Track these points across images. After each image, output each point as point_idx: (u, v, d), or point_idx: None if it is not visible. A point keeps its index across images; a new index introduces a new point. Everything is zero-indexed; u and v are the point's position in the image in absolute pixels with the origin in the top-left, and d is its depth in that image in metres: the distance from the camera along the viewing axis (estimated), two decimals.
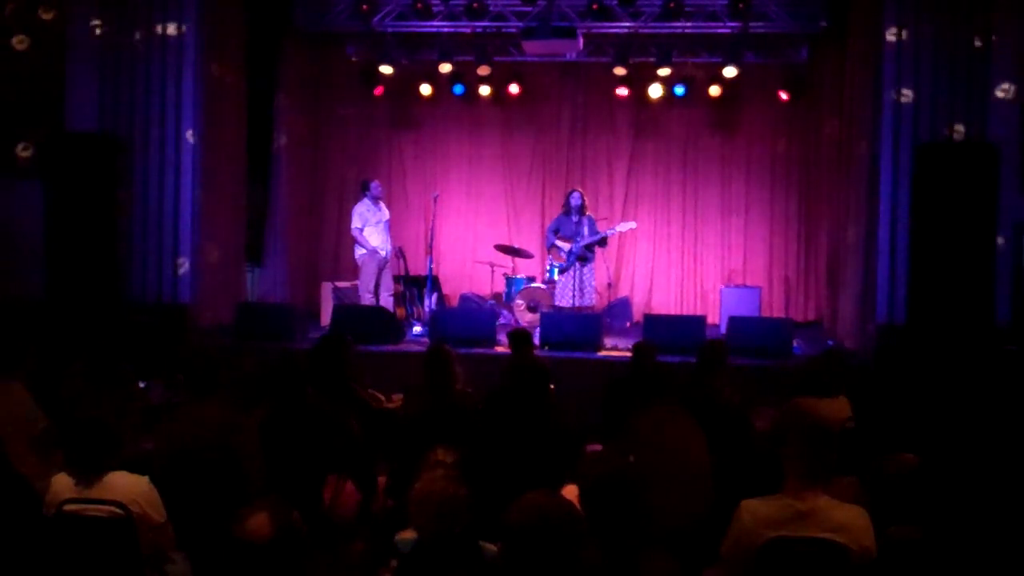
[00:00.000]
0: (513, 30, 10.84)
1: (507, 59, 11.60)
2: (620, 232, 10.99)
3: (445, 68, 11.33)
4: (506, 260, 11.22)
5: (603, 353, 8.55)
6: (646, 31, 10.86)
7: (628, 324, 10.89)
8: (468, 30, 11.13)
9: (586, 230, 10.14)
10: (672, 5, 10.06)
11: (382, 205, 10.27)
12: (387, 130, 12.51)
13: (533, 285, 10.54)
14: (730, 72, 10.91)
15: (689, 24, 10.66)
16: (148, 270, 8.96)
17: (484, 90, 11.76)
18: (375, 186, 10.20)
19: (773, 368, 7.85)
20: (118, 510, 3.60)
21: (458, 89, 11.74)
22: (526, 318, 10.17)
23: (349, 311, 9.49)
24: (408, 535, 3.24)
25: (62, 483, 3.69)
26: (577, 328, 8.82)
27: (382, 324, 8.96)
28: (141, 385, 5.92)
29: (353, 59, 11.83)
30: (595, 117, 12.24)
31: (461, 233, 12.44)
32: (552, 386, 5.23)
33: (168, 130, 8.96)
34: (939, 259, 7.51)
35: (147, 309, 8.75)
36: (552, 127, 12.33)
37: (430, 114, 12.38)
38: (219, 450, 4.28)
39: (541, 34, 10.05)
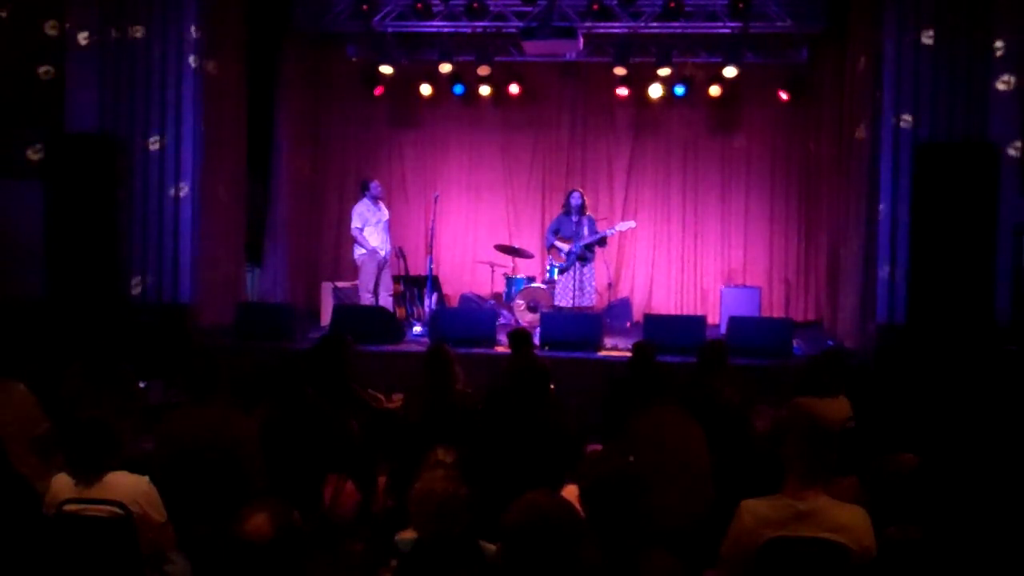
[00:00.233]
0: (513, 30, 10.83)
1: (507, 59, 11.60)
2: (620, 232, 11.00)
3: (445, 68, 11.33)
4: (506, 260, 11.22)
5: (603, 353, 8.54)
6: (646, 31, 10.85)
7: (628, 324, 10.89)
8: (468, 30, 11.13)
9: (586, 230, 10.14)
10: (672, 5, 10.06)
11: (382, 205, 10.27)
12: (387, 130, 12.51)
13: (533, 285, 10.54)
14: (730, 72, 10.91)
15: (689, 24, 10.65)
16: (148, 270, 8.95)
17: (484, 90, 11.76)
18: (375, 186, 10.20)
19: (773, 368, 7.85)
20: (118, 510, 3.60)
21: (458, 89, 11.74)
22: (526, 318, 10.17)
23: (349, 311, 9.49)
24: (408, 535, 3.24)
25: (62, 483, 3.69)
26: (577, 328, 8.82)
27: (382, 324, 8.96)
28: (141, 385, 5.92)
29: (353, 59, 11.83)
30: (595, 117, 12.24)
31: (461, 233, 12.44)
32: (552, 386, 5.23)
33: (168, 130, 8.96)
34: (939, 259, 7.52)
35: (147, 309, 8.75)
36: (552, 127, 12.32)
37: (430, 114, 12.38)
38: (219, 450, 4.28)
39: (541, 34, 10.05)
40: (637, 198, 12.20)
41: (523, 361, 6.06)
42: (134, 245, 8.88)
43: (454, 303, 11.55)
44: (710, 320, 10.14)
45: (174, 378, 6.25)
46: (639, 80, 11.41)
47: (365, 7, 10.58)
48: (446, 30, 11.11)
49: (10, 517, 3.73)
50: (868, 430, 4.98)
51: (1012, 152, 7.75)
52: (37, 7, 9.04)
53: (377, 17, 10.95)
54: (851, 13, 9.65)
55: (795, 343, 8.80)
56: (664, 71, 11.14)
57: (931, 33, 8.09)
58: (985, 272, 7.52)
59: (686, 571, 2.98)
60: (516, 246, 11.25)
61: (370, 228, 9.98)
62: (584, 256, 10.15)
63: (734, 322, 8.99)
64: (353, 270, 10.42)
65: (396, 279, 10.52)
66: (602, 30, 10.94)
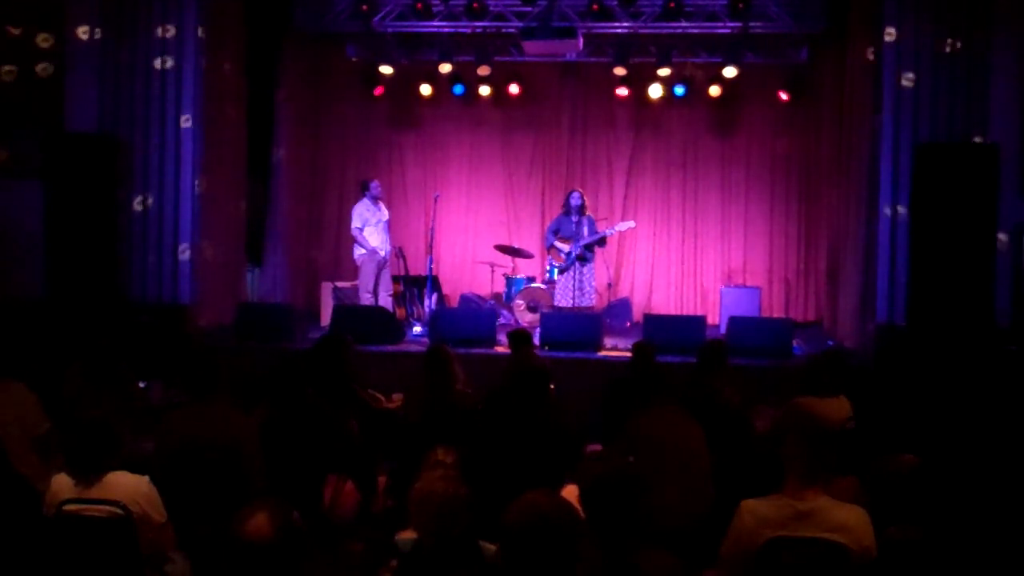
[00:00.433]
0: (513, 30, 10.83)
1: (507, 59, 11.60)
2: (619, 232, 11.00)
3: (445, 68, 11.33)
4: (506, 260, 11.22)
5: (603, 353, 8.54)
6: (646, 31, 10.85)
7: (628, 324, 10.89)
8: (468, 30, 11.13)
9: (586, 230, 10.14)
10: (672, 5, 10.06)
11: (382, 205, 10.27)
12: (387, 130, 12.50)
13: (533, 285, 10.54)
14: (730, 72, 10.91)
15: (689, 24, 10.65)
16: (148, 270, 8.95)
17: (484, 90, 11.76)
18: (375, 186, 10.20)
19: (773, 368, 7.85)
20: (118, 510, 3.60)
21: (458, 89, 11.73)
22: (526, 318, 10.17)
23: (349, 311, 9.49)
24: (408, 535, 3.24)
25: (62, 483, 3.69)
26: (577, 328, 8.82)
27: (382, 324, 8.96)
28: (141, 385, 5.92)
29: (353, 59, 11.83)
30: (595, 117, 12.24)
31: (461, 233, 12.44)
32: (552, 386, 5.23)
33: (168, 130, 8.95)
34: (939, 259, 7.51)
35: (147, 309, 8.75)
36: (552, 127, 12.32)
37: (430, 114, 12.38)
38: (219, 450, 4.29)
39: (541, 34, 10.05)
40: (637, 198, 12.20)
41: (523, 361, 6.07)
42: (134, 245, 8.88)
43: (454, 303, 11.55)
44: (710, 320, 10.14)
45: (174, 378, 6.26)
46: (639, 80, 11.41)
47: (365, 7, 10.58)
48: (446, 30, 11.11)
49: (10, 517, 3.73)
50: (868, 430, 4.99)
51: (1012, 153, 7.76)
52: (37, 7, 9.05)
53: (377, 17, 10.95)
54: (851, 13, 9.65)
55: (795, 343, 8.80)
56: (664, 71, 11.14)
57: (931, 32, 8.09)
58: (985, 273, 7.52)
59: (686, 571, 2.98)
60: (516, 246, 11.25)
61: (370, 228, 9.98)
62: (584, 256, 10.15)
63: (734, 322, 8.99)
64: (353, 270, 10.41)
65: (396, 279, 10.52)
66: (602, 30, 10.94)
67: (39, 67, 8.96)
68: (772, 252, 11.84)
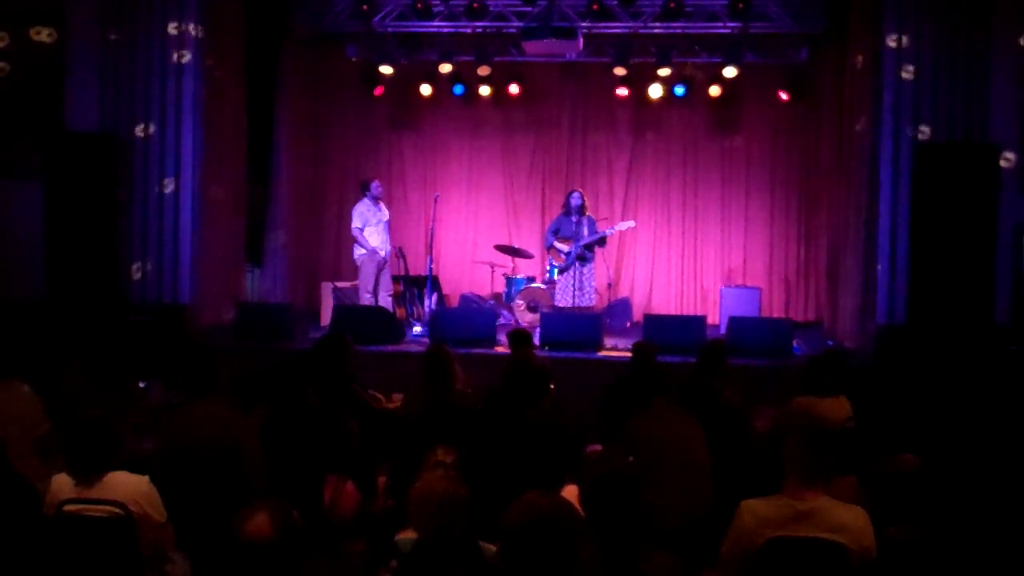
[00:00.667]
0: (513, 30, 10.83)
1: (507, 59, 11.59)
2: (619, 232, 11.00)
3: (445, 68, 11.33)
4: (506, 260, 11.22)
5: (603, 353, 8.54)
6: (646, 31, 10.85)
7: (628, 324, 10.89)
8: (468, 30, 11.13)
9: (586, 230, 10.15)
10: (672, 5, 10.06)
11: (382, 205, 10.26)
12: (387, 130, 12.50)
13: (533, 285, 10.54)
14: (730, 72, 10.91)
15: (689, 24, 10.65)
16: (148, 270, 8.95)
17: (484, 90, 11.76)
18: (375, 186, 10.19)
19: (773, 368, 7.85)
20: (118, 510, 3.60)
21: (458, 89, 11.73)
22: (526, 318, 10.17)
23: (349, 311, 9.49)
24: (408, 535, 3.24)
25: (62, 483, 3.69)
26: (577, 328, 8.82)
27: (382, 324, 8.96)
28: (141, 385, 5.92)
29: (353, 59, 11.82)
30: (595, 117, 12.24)
31: (461, 233, 12.44)
32: (552, 386, 5.23)
33: (168, 130, 8.96)
34: (939, 259, 7.52)
35: (147, 309, 8.75)
36: (552, 127, 12.32)
37: (430, 114, 12.38)
38: (219, 450, 4.28)
39: (541, 34, 10.05)
40: (637, 198, 12.20)
41: (523, 361, 6.06)
42: (134, 245, 8.88)
43: (454, 303, 11.55)
44: (710, 320, 10.14)
45: (174, 378, 6.25)
46: (639, 80, 11.41)
47: (365, 7, 10.57)
48: (446, 30, 11.11)
49: (10, 517, 3.73)
50: (868, 430, 4.99)
51: (1008, 158, 7.76)
52: (38, 7, 9.05)
53: (377, 17, 10.95)
54: (851, 13, 9.64)
55: (795, 343, 8.80)
56: (664, 71, 11.14)
57: (931, 32, 8.09)
58: (985, 272, 7.52)
59: (686, 571, 2.98)
60: (516, 246, 11.25)
61: (370, 228, 9.98)
62: (584, 256, 10.15)
63: (734, 322, 9.00)
64: (353, 270, 10.41)
65: (396, 279, 10.52)
66: (602, 30, 10.94)
67: (37, 66, 8.96)
68: (772, 252, 11.84)
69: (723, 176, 11.99)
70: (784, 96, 11.25)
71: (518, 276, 10.98)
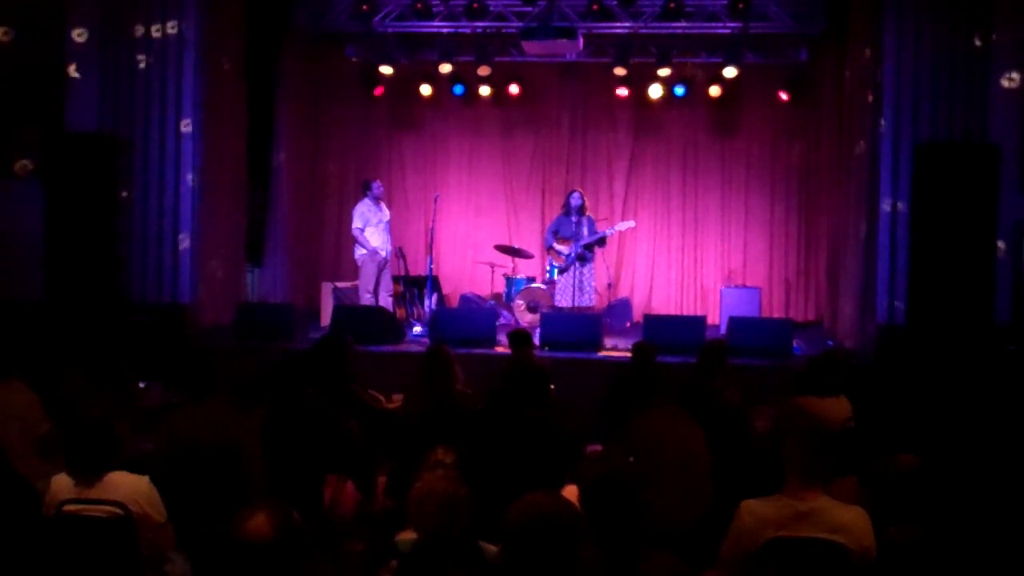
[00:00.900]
0: (513, 30, 10.84)
1: (507, 59, 11.60)
2: (619, 232, 11.01)
3: (445, 68, 11.33)
4: (506, 260, 11.22)
5: (603, 353, 8.54)
6: (646, 31, 10.86)
7: (628, 324, 10.89)
8: (468, 30, 11.13)
9: (585, 231, 10.15)
10: (672, 5, 10.06)
11: (383, 205, 10.26)
12: (387, 130, 12.50)
13: (533, 285, 10.54)
14: (730, 72, 10.91)
15: (689, 24, 10.66)
16: (148, 270, 8.95)
17: (484, 90, 11.76)
18: (377, 186, 10.19)
19: (773, 368, 7.85)
20: (118, 510, 3.60)
21: (458, 89, 11.74)
22: (526, 318, 10.17)
23: (349, 311, 9.48)
24: (408, 535, 3.24)
25: (62, 483, 3.69)
26: (577, 328, 8.81)
27: (382, 324, 8.96)
28: (141, 385, 5.92)
29: (353, 59, 11.83)
30: (595, 117, 12.24)
31: (461, 233, 12.44)
32: (552, 386, 5.23)
33: (168, 130, 8.95)
34: (939, 259, 7.51)
35: (147, 309, 8.74)
36: (552, 127, 12.32)
37: (430, 114, 12.38)
38: (219, 450, 4.28)
39: (541, 34, 10.05)
40: (637, 198, 12.20)
41: (523, 361, 6.07)
42: (134, 245, 8.88)
43: (454, 303, 11.55)
44: (710, 320, 10.14)
45: (174, 379, 6.25)
46: (639, 80, 11.41)
47: (365, 7, 10.58)
48: (446, 30, 11.11)
49: (10, 517, 3.73)
50: (868, 430, 4.98)
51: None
52: (37, 7, 9.05)
53: (377, 17, 10.95)
54: (851, 13, 9.64)
55: (795, 343, 8.80)
56: (664, 71, 11.15)
57: (931, 33, 8.09)
58: (985, 272, 7.51)
59: (686, 571, 2.98)
60: (516, 246, 11.25)
61: (371, 228, 9.97)
62: (584, 256, 10.15)
63: (734, 322, 8.99)
64: (353, 270, 10.42)
65: (396, 279, 10.51)
66: (602, 30, 10.94)
67: (35, 66, 8.96)
68: (772, 252, 11.85)
69: (723, 176, 12.00)
70: (784, 96, 11.26)
71: (518, 276, 10.98)
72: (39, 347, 6.83)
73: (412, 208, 12.41)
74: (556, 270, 10.37)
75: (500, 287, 11.14)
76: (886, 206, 8.23)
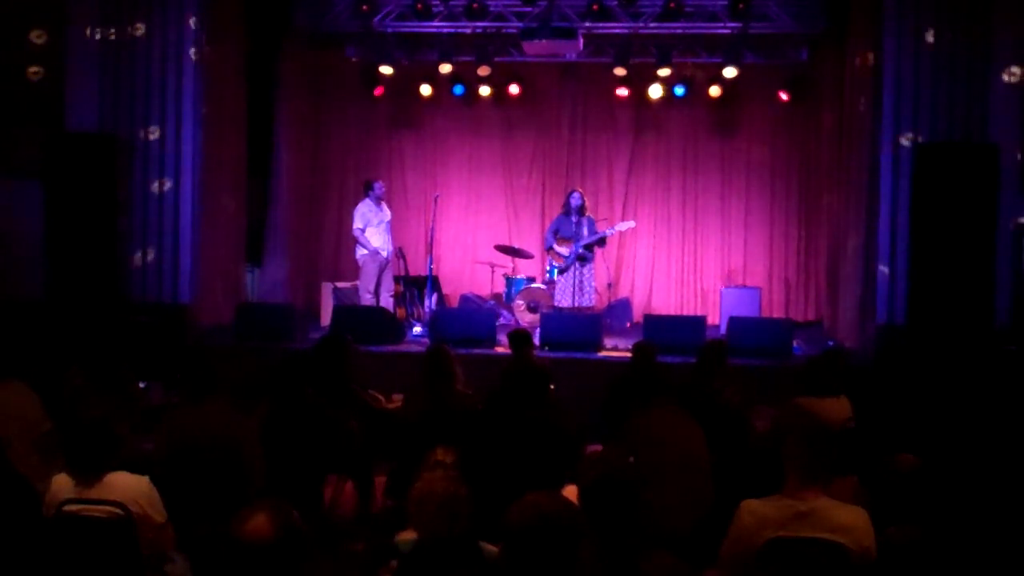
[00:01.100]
0: (513, 30, 10.83)
1: (507, 59, 11.59)
2: (620, 232, 11.00)
3: (445, 68, 11.32)
4: (506, 260, 11.22)
5: (603, 353, 8.54)
6: (646, 31, 10.85)
7: (628, 324, 10.89)
8: (468, 30, 11.13)
9: (585, 231, 10.15)
10: (672, 5, 10.06)
11: (384, 206, 10.25)
12: (387, 130, 12.50)
13: (533, 285, 10.54)
14: (730, 72, 10.91)
15: (689, 24, 10.66)
16: (148, 270, 8.95)
17: (484, 90, 11.76)
18: (379, 186, 10.17)
19: (773, 368, 7.85)
20: (118, 510, 3.60)
21: (458, 89, 11.74)
22: (526, 318, 10.17)
23: (349, 311, 9.48)
24: (408, 535, 3.24)
25: (62, 483, 3.69)
26: (577, 328, 8.82)
27: (382, 324, 8.96)
28: (141, 385, 5.92)
29: (353, 59, 11.83)
30: (595, 117, 12.24)
31: (461, 233, 12.43)
32: (552, 386, 5.23)
33: (168, 130, 8.96)
34: (939, 259, 7.52)
35: (147, 309, 8.75)
36: (552, 127, 12.32)
37: (430, 114, 12.38)
38: (219, 450, 4.29)
39: (541, 34, 10.05)
40: (637, 198, 12.20)
41: (523, 362, 6.07)
42: (134, 245, 8.88)
43: (454, 303, 11.54)
44: (710, 320, 10.14)
45: (174, 378, 6.25)
46: (639, 80, 11.41)
47: (365, 7, 10.58)
48: (446, 30, 11.11)
49: (10, 517, 3.73)
50: (868, 430, 4.99)
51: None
52: (36, 6, 9.05)
53: (377, 17, 10.95)
54: (851, 13, 9.65)
55: (795, 343, 8.80)
56: (664, 71, 11.14)
57: (931, 33, 8.09)
58: (985, 273, 7.52)
59: (686, 571, 2.98)
60: (516, 246, 11.25)
61: (372, 229, 9.97)
62: (584, 256, 10.15)
63: (734, 322, 8.99)
64: (354, 270, 10.41)
65: (396, 279, 10.51)
66: (602, 30, 10.94)
67: (35, 67, 8.96)
68: (772, 252, 11.84)
69: (723, 176, 11.99)
70: (784, 96, 11.26)
71: (518, 276, 10.98)
72: (39, 347, 6.84)
73: (412, 208, 12.41)
74: (556, 270, 10.37)
75: (500, 287, 11.14)
76: (886, 206, 8.23)
